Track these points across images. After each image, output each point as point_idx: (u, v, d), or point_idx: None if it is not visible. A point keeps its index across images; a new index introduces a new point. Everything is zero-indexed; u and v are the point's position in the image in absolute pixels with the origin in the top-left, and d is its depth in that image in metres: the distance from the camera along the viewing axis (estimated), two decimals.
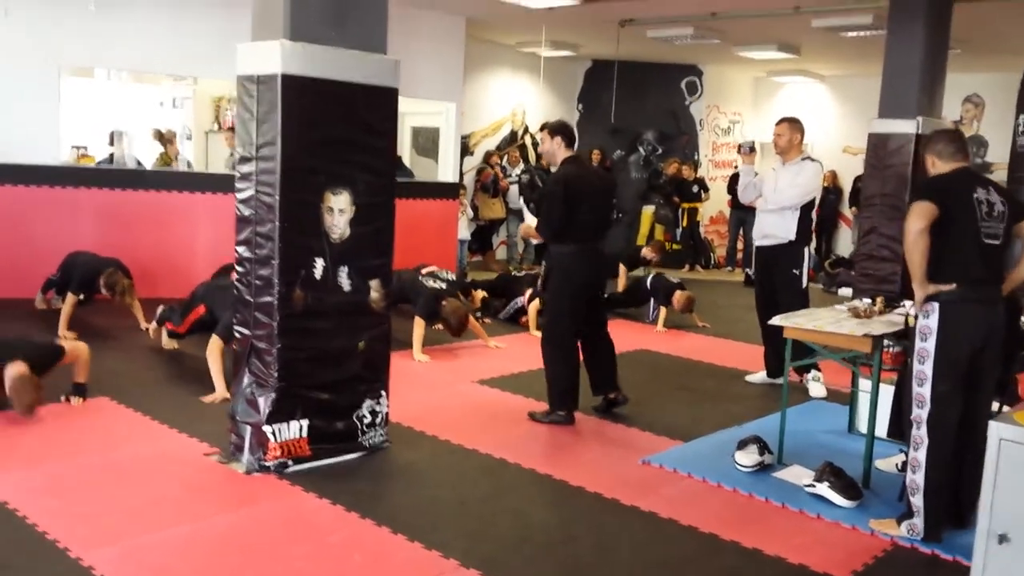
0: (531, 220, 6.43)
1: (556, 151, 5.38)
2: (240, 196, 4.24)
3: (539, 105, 13.38)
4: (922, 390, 3.68)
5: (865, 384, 5.16)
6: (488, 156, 12.29)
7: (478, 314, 8.07)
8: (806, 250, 6.01)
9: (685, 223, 13.26)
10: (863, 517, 3.96)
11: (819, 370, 6.10)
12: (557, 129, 5.42)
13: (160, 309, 6.59)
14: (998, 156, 12.37)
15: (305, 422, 4.31)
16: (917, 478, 3.72)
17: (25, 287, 7.64)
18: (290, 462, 4.25)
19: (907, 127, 7.02)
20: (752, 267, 12.70)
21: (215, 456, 4.40)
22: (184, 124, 12.67)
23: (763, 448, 4.53)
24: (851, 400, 5.28)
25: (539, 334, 7.71)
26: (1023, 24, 8.67)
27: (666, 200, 13.29)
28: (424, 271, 7.53)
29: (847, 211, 13.77)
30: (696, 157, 13.75)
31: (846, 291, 11.51)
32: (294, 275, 4.16)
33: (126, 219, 8.30)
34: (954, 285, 3.56)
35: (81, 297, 6.83)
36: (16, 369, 4.74)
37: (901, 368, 4.48)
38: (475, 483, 4.24)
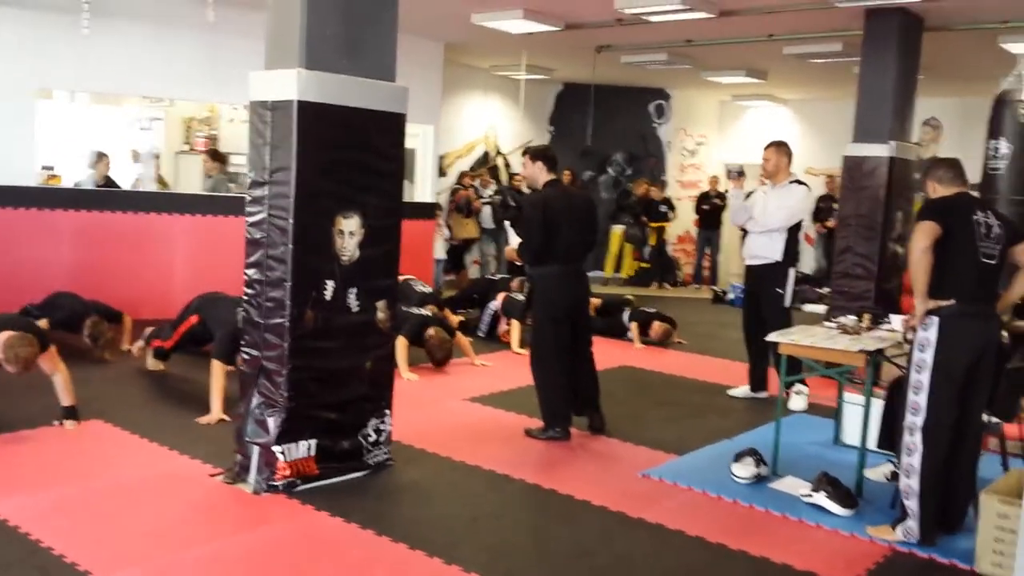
0: (516, 242, 6.56)
1: (538, 175, 5.49)
2: (251, 220, 4.30)
3: (512, 127, 13.56)
4: (918, 398, 3.87)
5: (850, 397, 5.38)
6: (461, 177, 12.42)
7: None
8: (791, 270, 6.21)
9: (653, 242, 13.50)
10: (860, 525, 4.12)
11: (805, 384, 6.28)
12: (538, 154, 5.53)
13: (148, 330, 6.57)
14: None
15: (313, 441, 4.36)
16: (912, 483, 3.89)
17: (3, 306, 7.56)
18: (298, 481, 4.30)
19: (881, 151, 7.30)
20: (718, 285, 13.06)
21: (221, 476, 4.42)
22: (153, 145, 12.60)
23: (759, 460, 4.68)
24: (837, 413, 5.46)
25: (522, 352, 7.93)
26: (983, 51, 9.05)
27: (635, 220, 13.51)
28: (401, 278, 7.59)
29: (810, 230, 14.08)
30: (664, 178, 14.03)
31: (811, 307, 11.82)
32: (306, 297, 4.23)
33: (103, 241, 8.25)
34: (953, 301, 3.76)
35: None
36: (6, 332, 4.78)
37: (892, 382, 4.66)
38: (483, 499, 4.33)
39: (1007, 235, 3.88)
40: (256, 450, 4.28)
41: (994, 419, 4.22)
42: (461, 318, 8.67)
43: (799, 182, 6.29)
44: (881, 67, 7.44)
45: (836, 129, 13.82)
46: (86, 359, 6.51)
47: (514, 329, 8.11)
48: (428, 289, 8.20)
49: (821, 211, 13.09)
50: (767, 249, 6.19)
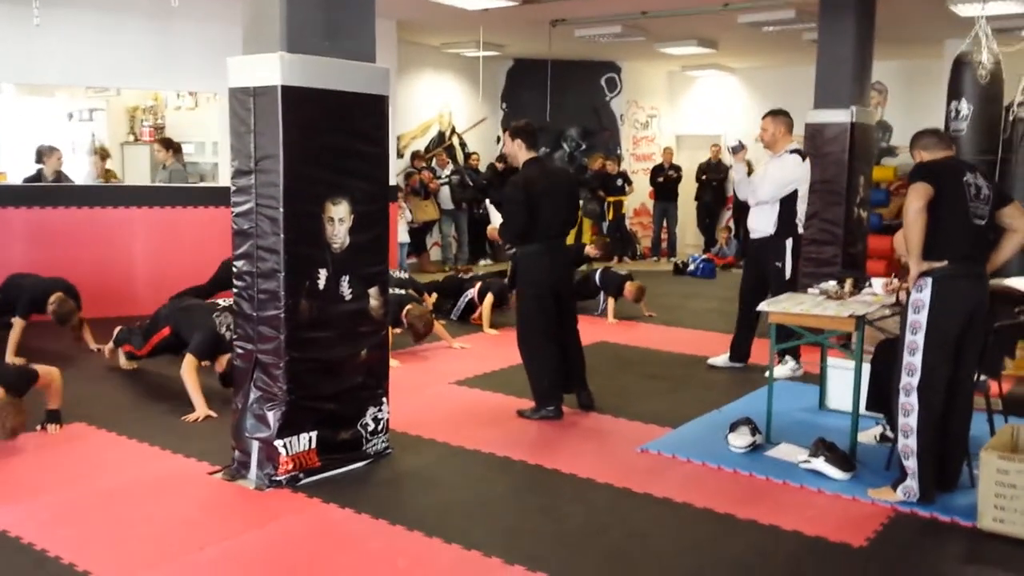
0: (496, 219, 6.49)
1: (518, 153, 5.43)
2: (237, 210, 4.19)
3: (465, 106, 13.45)
4: (913, 359, 3.95)
5: (834, 362, 5.49)
6: (413, 158, 12.29)
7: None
8: (788, 242, 6.16)
9: (611, 216, 13.54)
10: (860, 487, 4.21)
11: (793, 355, 6.31)
12: (517, 131, 5.44)
13: (117, 330, 6.38)
14: (901, 140, 13.10)
15: (313, 434, 4.30)
16: (910, 442, 3.99)
17: None
18: (301, 475, 4.23)
19: (842, 116, 7.39)
20: (677, 257, 13.19)
21: (220, 474, 4.34)
22: (94, 137, 12.23)
23: (754, 429, 4.75)
24: (821, 378, 5.56)
25: (493, 332, 7.93)
26: (929, 14, 9.22)
27: (592, 195, 13.52)
28: None
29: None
30: (619, 152, 14.07)
31: None
32: (300, 287, 4.15)
33: (60, 238, 8.00)
34: (945, 262, 3.84)
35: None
36: None
37: (878, 345, 4.76)
38: (490, 483, 4.32)
39: (995, 197, 3.97)
40: (256, 445, 4.21)
41: (982, 377, 4.34)
42: (435, 296, 8.61)
43: (796, 151, 6.20)
44: (839, 32, 7.51)
45: (785, 97, 13.92)
46: (58, 360, 6.30)
47: (486, 308, 8.07)
48: (404, 275, 8.13)
49: None
50: (762, 222, 6.23)
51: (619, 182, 13.51)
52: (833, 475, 4.32)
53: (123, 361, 6.39)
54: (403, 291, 7.29)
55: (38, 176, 8.39)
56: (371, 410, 4.55)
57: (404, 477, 4.38)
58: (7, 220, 7.88)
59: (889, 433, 4.76)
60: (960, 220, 3.87)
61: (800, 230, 6.29)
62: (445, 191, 12.24)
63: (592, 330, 7.92)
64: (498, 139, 14.22)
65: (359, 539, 3.64)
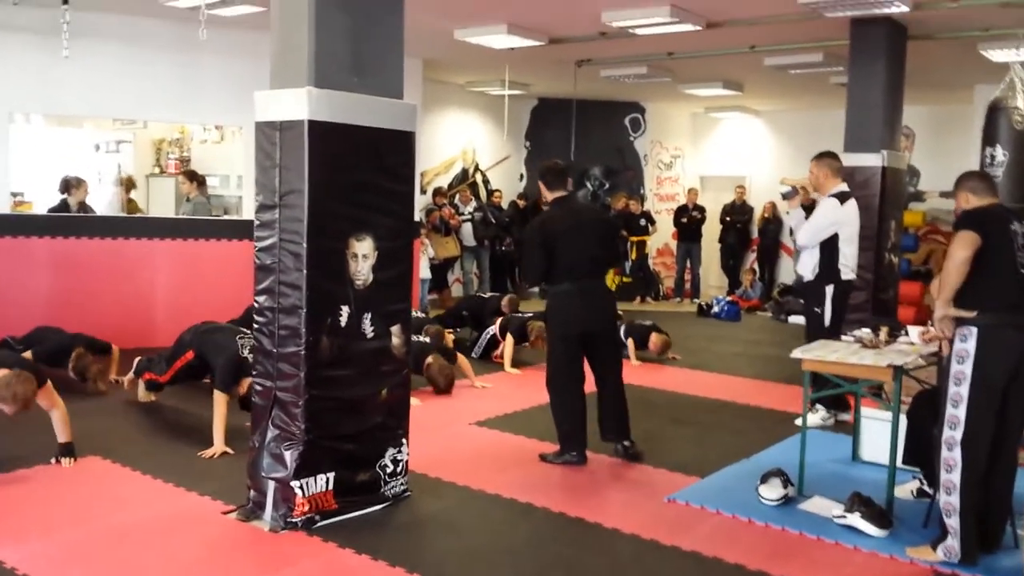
0: None
1: (544, 193, 5.35)
2: (260, 244, 4.13)
3: (489, 143, 13.47)
4: (957, 412, 3.80)
5: (868, 412, 5.32)
6: (435, 195, 12.27)
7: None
8: (828, 288, 5.92)
9: (634, 256, 13.45)
10: (898, 545, 4.03)
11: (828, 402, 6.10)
12: (540, 171, 5.38)
13: (138, 360, 6.32)
14: (929, 185, 12.97)
15: (331, 475, 4.18)
16: (952, 500, 3.82)
17: None
18: (317, 517, 4.11)
19: (873, 160, 7.30)
20: (700, 298, 13.04)
21: (234, 514, 4.23)
22: (120, 167, 12.30)
23: (786, 481, 4.58)
24: (855, 429, 5.39)
25: (515, 372, 7.81)
26: (960, 60, 9.14)
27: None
28: None
29: (788, 240, 14.14)
30: (642, 191, 14.00)
31: (796, 319, 11.84)
32: (321, 324, 4.06)
33: (83, 268, 7.98)
34: (975, 313, 3.72)
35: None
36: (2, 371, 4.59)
37: (916, 396, 4.60)
38: (512, 530, 4.18)
39: None
40: (272, 485, 4.10)
41: None
42: (451, 335, 8.52)
43: (841, 194, 5.97)
44: (869, 76, 7.46)
45: (810, 140, 13.89)
46: (75, 391, 6.25)
47: (508, 347, 7.97)
48: (421, 315, 8.06)
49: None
50: (804, 267, 6.06)
51: (642, 222, 13.43)
52: (869, 532, 4.14)
53: (141, 393, 6.32)
54: (425, 339, 7.19)
55: (63, 206, 8.40)
56: (390, 451, 4.44)
57: (423, 522, 4.25)
58: (31, 250, 7.87)
59: (927, 488, 4.58)
60: (1007, 269, 3.75)
61: (846, 275, 5.97)
62: (467, 227, 12.21)
63: None
64: (521, 176, 14.23)
65: None
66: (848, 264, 5.99)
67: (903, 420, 4.52)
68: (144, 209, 10.47)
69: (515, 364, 7.91)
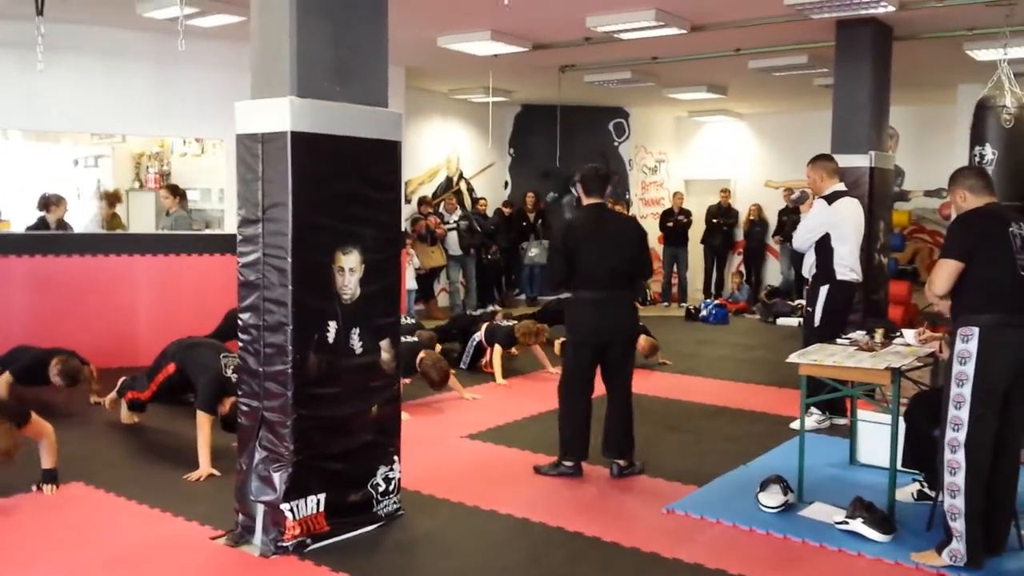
0: None
1: (581, 197, 5.25)
2: (244, 260, 4.02)
3: (473, 151, 13.38)
4: (959, 413, 3.74)
5: (864, 415, 5.26)
6: (420, 203, 12.17)
7: None
8: (823, 288, 5.88)
9: None
10: (902, 551, 3.96)
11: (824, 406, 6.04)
12: (580, 176, 5.25)
13: (121, 381, 6.18)
14: (913, 184, 12.98)
15: (322, 496, 4.07)
16: (957, 503, 3.75)
17: None
18: (308, 540, 4.00)
19: (861, 161, 7.26)
20: (687, 302, 12.98)
21: (223, 539, 4.10)
22: (99, 182, 12.14)
23: (786, 488, 4.51)
24: (851, 432, 5.33)
25: (504, 382, 7.70)
26: (945, 60, 9.13)
27: None
28: None
29: (773, 243, 14.11)
30: (627, 196, 13.96)
31: (785, 320, 11.82)
32: (308, 340, 3.95)
33: (62, 287, 7.83)
34: (991, 315, 3.69)
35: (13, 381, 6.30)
36: None
37: (912, 398, 4.54)
38: (510, 548, 4.08)
39: None
40: (261, 509, 3.98)
41: None
42: (440, 347, 8.41)
43: (833, 194, 5.88)
44: (856, 78, 7.42)
45: (793, 142, 13.92)
46: (56, 415, 6.10)
47: (496, 357, 7.87)
48: (411, 320, 7.96)
49: (784, 225, 13.12)
50: (805, 269, 6.03)
51: None
52: (873, 537, 4.07)
53: (124, 415, 6.17)
54: (414, 338, 7.09)
55: (42, 224, 8.25)
56: (382, 469, 4.33)
57: (417, 542, 4.14)
58: (9, 269, 7.70)
59: (928, 490, 4.53)
60: (1006, 273, 3.71)
61: (843, 275, 5.85)
62: (453, 237, 12.10)
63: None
64: (506, 184, 14.14)
65: None
66: (845, 263, 5.89)
67: (901, 423, 4.45)
68: (125, 224, 10.29)
69: (505, 374, 7.81)
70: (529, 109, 13.77)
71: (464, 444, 5.79)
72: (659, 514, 4.48)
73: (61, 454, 4.85)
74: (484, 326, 8.24)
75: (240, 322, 4.05)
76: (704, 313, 12.00)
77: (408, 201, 12.04)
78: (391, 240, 4.34)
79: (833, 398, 5.47)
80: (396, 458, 4.41)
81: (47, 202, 8.16)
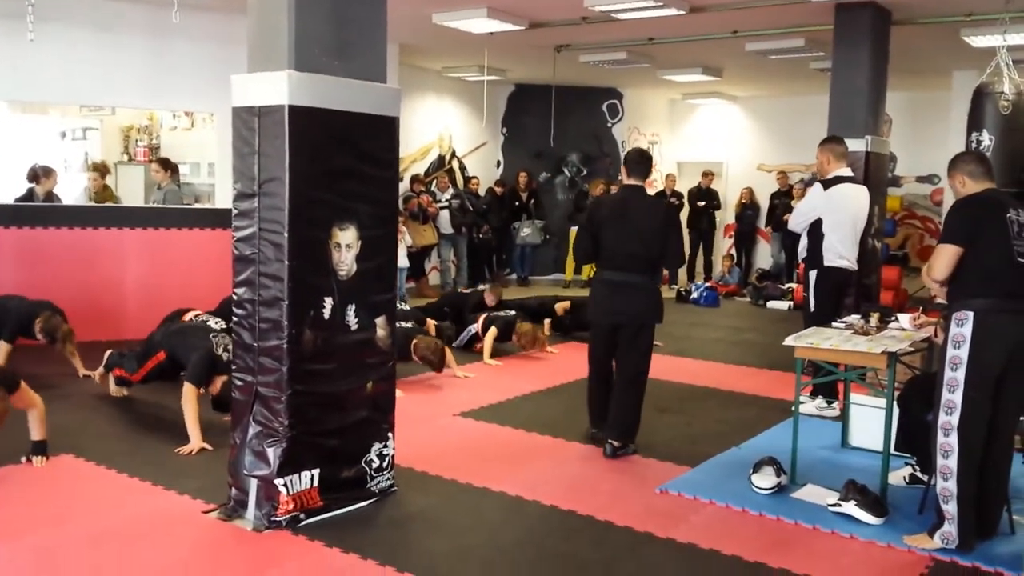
0: None
1: (622, 178, 5.32)
2: (239, 235, 3.97)
3: (466, 130, 13.30)
4: (953, 396, 3.75)
5: (857, 398, 5.27)
6: (413, 182, 12.10)
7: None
8: (812, 274, 5.89)
9: None
10: (894, 533, 3.98)
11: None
12: (624, 157, 5.36)
13: (108, 354, 6.13)
14: (905, 170, 13.00)
15: (316, 471, 4.05)
16: (949, 485, 3.77)
17: None
18: (302, 515, 3.98)
19: (857, 145, 7.24)
20: (679, 284, 12.98)
21: (215, 513, 4.09)
22: (87, 154, 12.00)
23: (779, 470, 4.52)
24: (844, 415, 5.35)
25: (493, 363, 7.68)
26: (942, 45, 9.13)
27: None
28: None
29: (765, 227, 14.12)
30: (620, 178, 13.88)
31: (775, 304, 11.85)
32: (304, 316, 3.92)
33: (50, 259, 7.76)
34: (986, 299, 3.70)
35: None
36: None
37: (907, 382, 4.55)
38: (503, 526, 4.07)
39: None
40: (255, 484, 3.96)
41: (1022, 416, 4.12)
42: (435, 324, 8.37)
43: (835, 179, 5.84)
44: (853, 62, 7.40)
45: (786, 126, 13.93)
46: (45, 387, 6.06)
47: (488, 338, 7.84)
48: (406, 307, 7.92)
49: (776, 208, 13.12)
50: (799, 252, 6.06)
51: None
52: (865, 520, 4.09)
53: (113, 388, 6.13)
54: (408, 323, 7.08)
55: (30, 196, 8.16)
56: (376, 446, 4.32)
57: (411, 518, 4.13)
58: None
59: (920, 474, 4.55)
60: (1003, 259, 3.71)
61: (831, 261, 5.81)
62: (444, 215, 12.06)
63: None
64: (498, 163, 14.08)
65: None
66: (833, 250, 5.84)
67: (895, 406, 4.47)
68: (117, 197, 10.18)
69: (494, 355, 7.79)
70: (523, 88, 13.70)
71: (457, 422, 5.78)
72: (652, 494, 4.49)
73: (51, 426, 4.82)
74: (482, 318, 8.16)
75: (235, 296, 4.02)
76: (695, 295, 12.02)
77: (400, 179, 11.96)
78: (388, 217, 4.30)
79: (827, 381, 5.48)
80: (390, 435, 4.39)
81: (35, 174, 8.06)
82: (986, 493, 3.92)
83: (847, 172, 5.97)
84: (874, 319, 4.86)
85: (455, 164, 13.16)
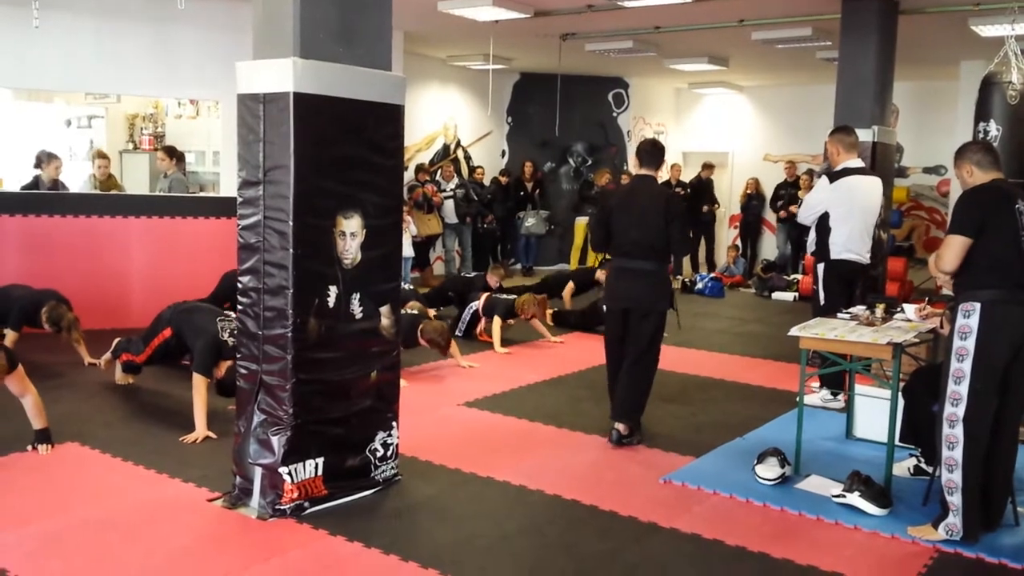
0: None
1: (634, 168, 5.37)
2: (244, 223, 3.96)
3: (471, 119, 13.27)
4: (959, 388, 3.74)
5: (862, 389, 5.26)
6: (418, 171, 12.09)
7: None
8: (819, 267, 5.88)
9: None
10: (899, 524, 3.98)
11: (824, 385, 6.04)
12: (637, 147, 5.37)
13: (116, 341, 6.14)
14: (911, 161, 12.94)
15: (320, 460, 4.06)
16: (955, 477, 3.76)
17: None
18: (306, 504, 3.99)
19: (864, 136, 7.20)
20: (683, 274, 12.95)
21: (220, 501, 4.10)
22: (92, 142, 12.00)
23: (783, 461, 4.52)
24: (849, 406, 5.34)
25: (504, 351, 7.69)
26: (949, 35, 9.07)
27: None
28: None
29: (771, 217, 14.07)
30: (625, 168, 13.88)
31: (780, 295, 11.82)
32: (308, 304, 3.92)
33: (56, 247, 7.77)
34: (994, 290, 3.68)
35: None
36: None
37: (912, 374, 4.54)
38: (508, 515, 4.07)
39: None
40: (259, 472, 3.97)
41: None
42: (435, 313, 8.39)
43: (836, 171, 5.80)
44: (861, 51, 7.36)
45: (793, 116, 13.87)
46: (50, 375, 6.09)
47: (495, 327, 7.85)
48: (408, 286, 7.95)
49: (781, 198, 13.07)
50: (808, 244, 6.04)
51: None
52: (869, 511, 4.09)
53: (119, 376, 6.15)
54: (413, 311, 7.08)
55: (36, 183, 8.16)
56: (380, 435, 4.32)
57: (415, 507, 4.14)
58: (2, 228, 7.64)
59: (924, 465, 4.54)
60: (1010, 251, 3.69)
61: (837, 254, 5.77)
62: (449, 205, 12.04)
63: (599, 349, 7.70)
64: (503, 152, 14.05)
65: None
66: (839, 243, 5.79)
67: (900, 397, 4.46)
68: (122, 186, 10.18)
69: (503, 343, 7.80)
70: (528, 77, 13.65)
71: (462, 412, 5.79)
72: (657, 484, 4.49)
73: (56, 415, 4.84)
74: (483, 297, 8.19)
75: (239, 285, 4.02)
76: (700, 286, 12.00)
77: (405, 168, 11.95)
78: (393, 206, 4.29)
79: (831, 372, 5.47)
80: (395, 424, 4.40)
81: (40, 160, 8.06)
82: (991, 484, 3.91)
83: (857, 163, 5.90)
84: (880, 310, 4.85)
85: (460, 153, 13.14)
